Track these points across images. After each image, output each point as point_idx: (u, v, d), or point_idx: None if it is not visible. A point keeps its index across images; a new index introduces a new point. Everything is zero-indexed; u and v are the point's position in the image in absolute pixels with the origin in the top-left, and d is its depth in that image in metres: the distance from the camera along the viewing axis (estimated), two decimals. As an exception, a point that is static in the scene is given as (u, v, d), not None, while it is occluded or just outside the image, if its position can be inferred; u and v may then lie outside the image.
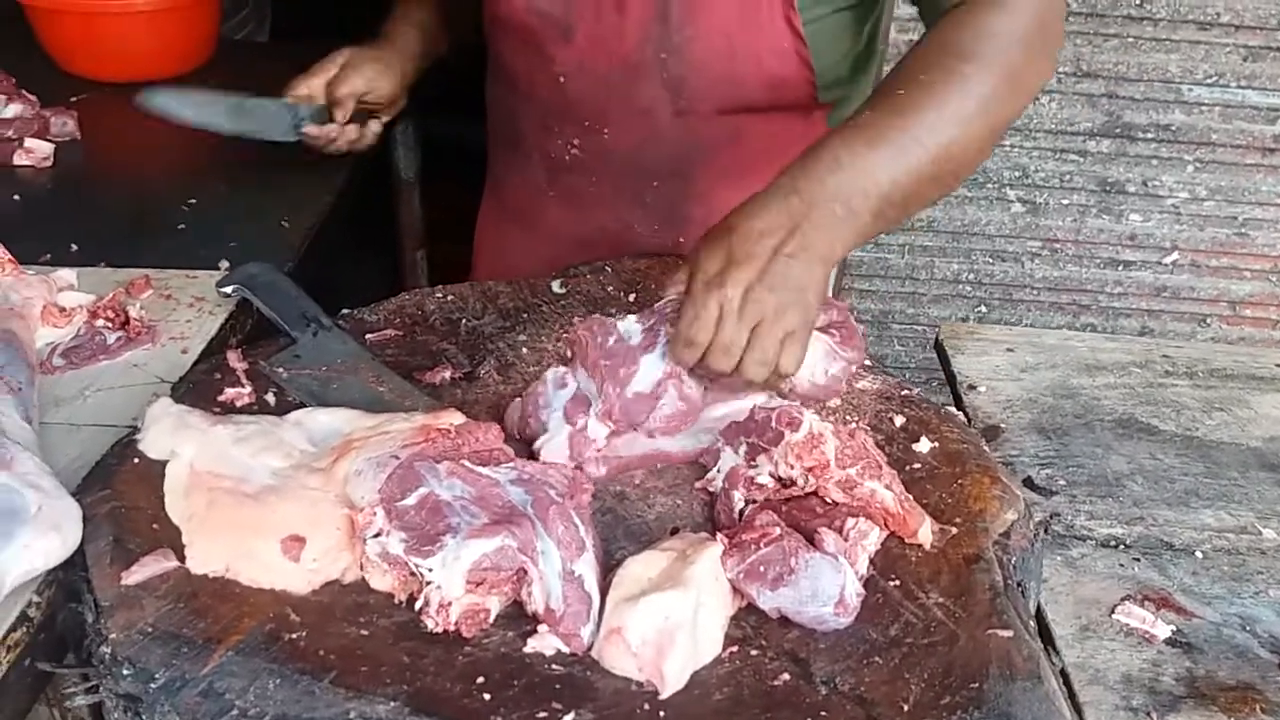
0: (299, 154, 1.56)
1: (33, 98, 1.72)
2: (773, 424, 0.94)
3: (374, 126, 1.60)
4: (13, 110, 1.67)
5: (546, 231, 1.49)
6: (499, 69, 1.45)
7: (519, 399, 1.05)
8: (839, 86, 1.36)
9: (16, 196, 1.57)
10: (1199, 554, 1.12)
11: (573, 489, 0.88)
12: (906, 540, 0.93)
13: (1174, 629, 1.01)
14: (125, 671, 0.79)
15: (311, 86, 1.53)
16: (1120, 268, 2.30)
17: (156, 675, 0.78)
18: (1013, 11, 1.10)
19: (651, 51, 1.29)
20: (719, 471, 0.99)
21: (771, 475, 0.95)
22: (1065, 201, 2.25)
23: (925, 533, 0.93)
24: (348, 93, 1.51)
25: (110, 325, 1.17)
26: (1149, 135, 2.18)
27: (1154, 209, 2.25)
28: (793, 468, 0.93)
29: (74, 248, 1.40)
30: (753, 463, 0.96)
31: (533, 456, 0.99)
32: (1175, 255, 2.28)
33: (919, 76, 1.07)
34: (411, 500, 0.84)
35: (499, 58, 1.44)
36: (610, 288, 1.30)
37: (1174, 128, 2.17)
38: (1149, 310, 2.34)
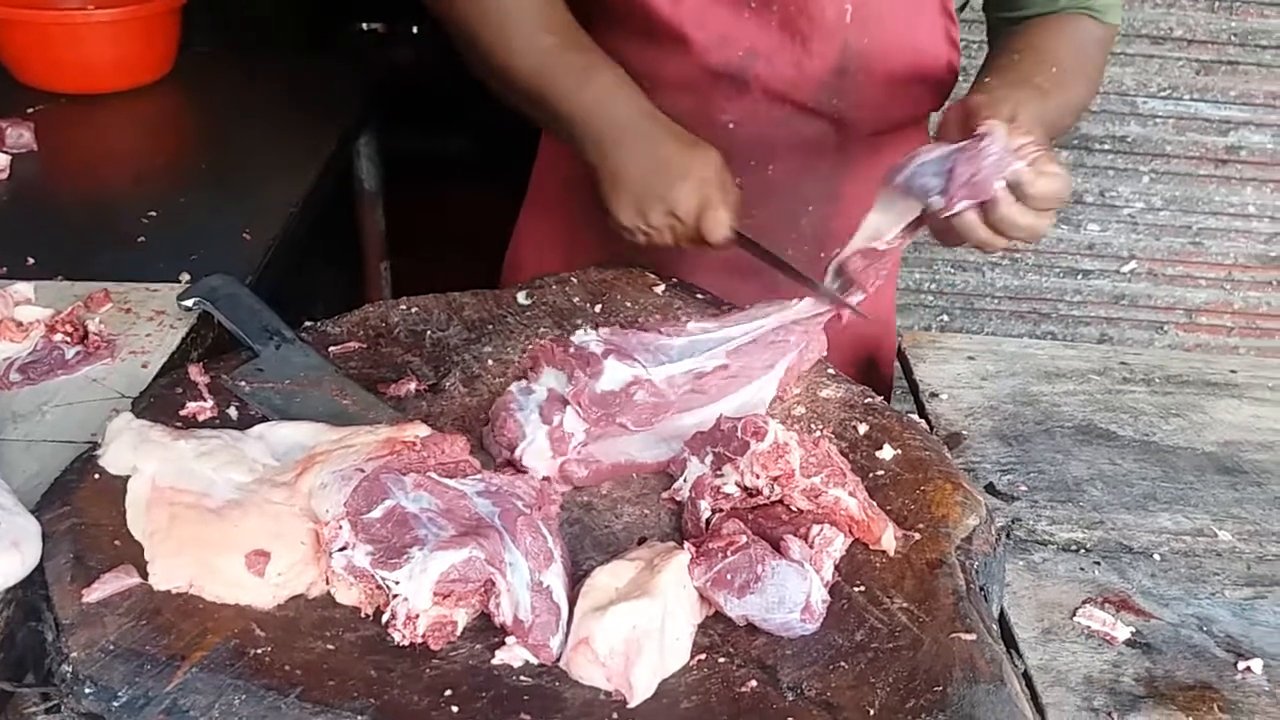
0: (259, 165, 1.56)
1: (-13, 110, 1.70)
2: (738, 434, 0.95)
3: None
4: (-33, 122, 1.65)
5: (709, 266, 1.40)
6: None
7: (494, 413, 1.05)
8: None
9: (-29, 209, 1.56)
10: (1157, 556, 1.14)
11: (540, 500, 0.89)
12: (870, 546, 0.94)
13: (1133, 630, 1.03)
14: (87, 690, 0.78)
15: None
16: (1079, 276, 2.34)
17: (119, 693, 0.77)
18: (1103, 29, 1.35)
19: (826, 97, 1.34)
20: (685, 481, 0.99)
21: (738, 485, 0.95)
22: (1024, 211, 2.29)
23: (889, 539, 0.94)
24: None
25: (69, 340, 1.16)
26: (1106, 147, 2.22)
27: (1111, 219, 2.29)
28: (758, 477, 0.94)
29: (30, 261, 1.38)
30: (719, 472, 0.97)
31: (511, 465, 0.99)
32: (1133, 264, 2.32)
33: (1063, 62, 1.26)
34: (377, 513, 0.84)
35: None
36: (576, 298, 1.30)
37: (1130, 139, 2.22)
38: (1108, 318, 2.38)
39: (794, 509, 0.94)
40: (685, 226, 1.21)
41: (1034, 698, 0.95)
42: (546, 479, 0.97)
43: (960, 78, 1.46)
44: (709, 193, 1.20)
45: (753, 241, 1.23)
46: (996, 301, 2.37)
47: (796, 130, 1.38)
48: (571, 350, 1.05)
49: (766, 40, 1.31)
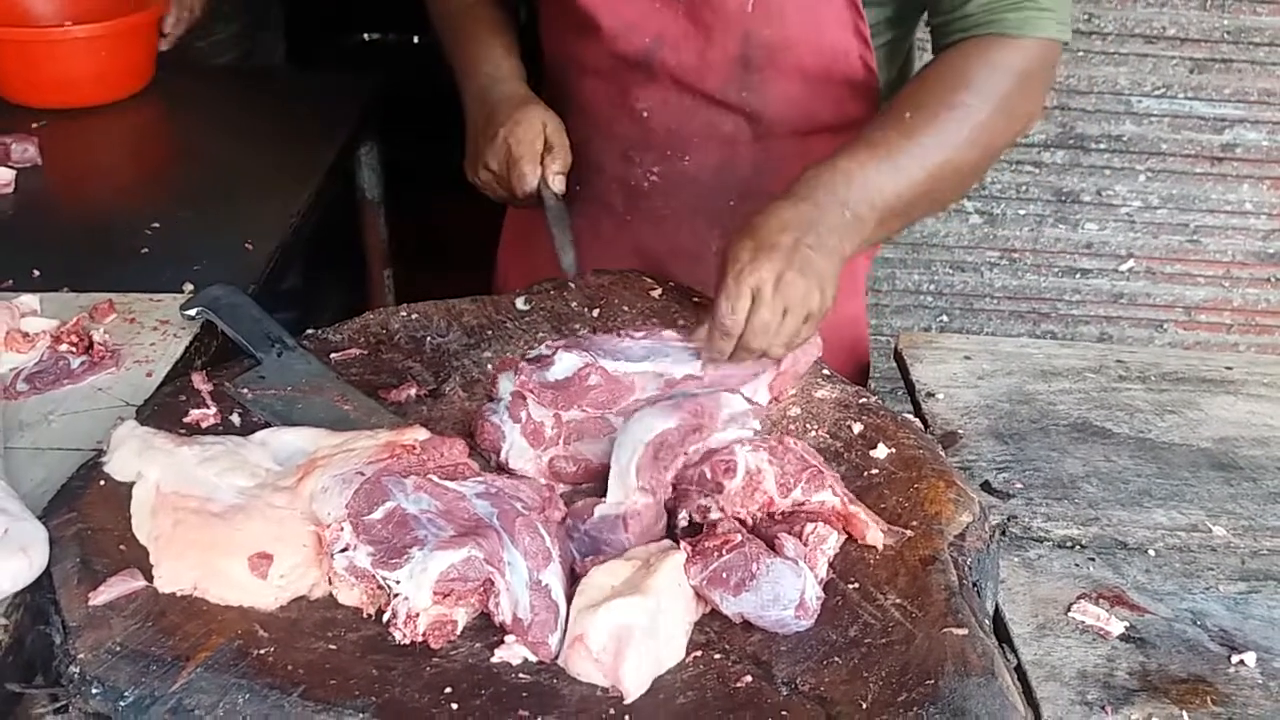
0: (261, 175, 1.57)
1: (-8, 125, 1.72)
2: (709, 476, 0.95)
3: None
4: (-27, 137, 1.67)
5: (622, 252, 1.49)
6: (575, 105, 1.44)
7: (474, 425, 1.06)
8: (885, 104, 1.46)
9: (-22, 223, 1.58)
10: (1152, 552, 1.15)
11: (544, 505, 0.90)
12: (862, 543, 0.95)
13: (1127, 625, 1.04)
14: (94, 690, 0.79)
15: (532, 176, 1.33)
16: (1078, 276, 2.35)
17: (126, 693, 0.79)
18: (1015, 48, 1.22)
19: (734, 89, 1.36)
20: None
21: (721, 512, 0.96)
22: (1022, 212, 2.30)
23: (875, 533, 0.95)
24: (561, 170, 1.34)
25: (74, 350, 1.17)
26: (1101, 146, 2.23)
27: (1109, 218, 2.30)
28: (739, 513, 0.95)
29: (36, 273, 1.40)
30: (703, 497, 0.96)
31: (504, 472, 1.00)
32: (1131, 263, 2.33)
33: (924, 102, 1.21)
34: (378, 514, 0.85)
35: (576, 96, 1.44)
36: (574, 303, 1.32)
37: (1125, 138, 2.23)
38: (1107, 317, 2.38)
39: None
40: (502, 180, 1.32)
41: (1028, 692, 0.96)
42: (550, 486, 0.98)
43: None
44: (518, 149, 1.30)
45: (560, 204, 1.30)
46: (995, 302, 2.38)
47: (709, 122, 1.38)
48: (526, 356, 1.09)
49: (672, 28, 1.33)
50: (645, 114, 1.39)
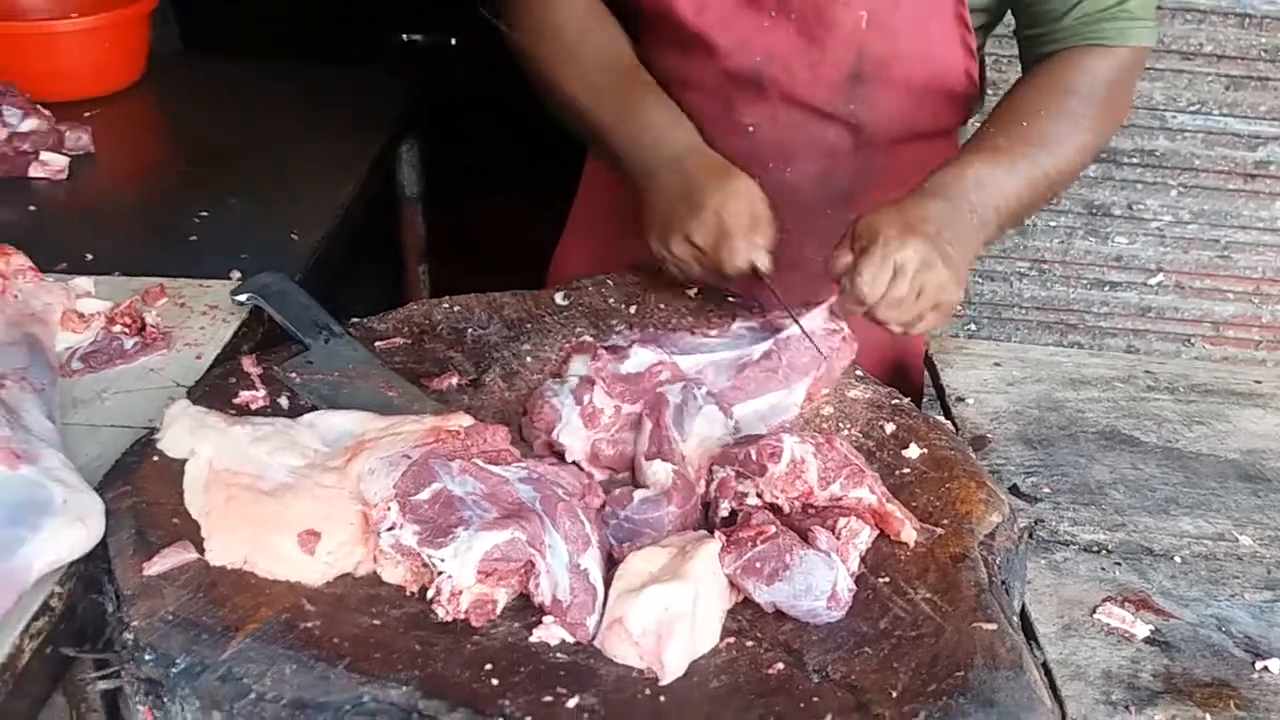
0: (305, 169, 1.60)
1: (48, 112, 1.76)
2: (754, 457, 0.97)
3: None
4: (29, 124, 1.71)
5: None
6: None
7: (531, 403, 1.09)
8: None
9: (32, 208, 1.62)
10: (1178, 559, 1.16)
11: (584, 491, 0.92)
12: (894, 540, 0.97)
13: (1152, 629, 1.05)
14: (147, 657, 0.82)
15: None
16: (1106, 288, 2.35)
17: (177, 660, 0.81)
18: (1112, 57, 1.32)
19: (842, 102, 1.38)
20: (710, 482, 1.02)
21: (759, 497, 0.98)
22: (1053, 223, 2.31)
23: (908, 531, 0.97)
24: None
25: (127, 331, 1.21)
26: (1134, 160, 2.23)
27: (1139, 231, 2.30)
28: (778, 498, 0.97)
29: (89, 257, 1.43)
30: (741, 480, 0.99)
31: (549, 449, 1.03)
32: (1160, 277, 2.33)
33: (1037, 110, 1.29)
34: (425, 495, 0.88)
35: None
36: (612, 300, 1.34)
37: (1159, 153, 2.23)
38: (1134, 330, 2.38)
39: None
40: (705, 257, 1.21)
41: (1053, 690, 0.98)
42: (589, 474, 1.00)
43: (990, 92, 1.49)
44: (729, 223, 1.19)
45: (769, 286, 1.22)
46: (1024, 312, 2.38)
47: (814, 135, 1.41)
48: (603, 343, 1.10)
49: (784, 45, 1.35)
50: (751, 129, 1.41)
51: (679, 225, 1.22)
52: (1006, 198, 1.24)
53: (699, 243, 1.21)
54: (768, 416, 1.11)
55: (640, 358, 1.07)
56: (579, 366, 1.06)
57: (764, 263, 1.20)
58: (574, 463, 1.03)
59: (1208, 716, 0.96)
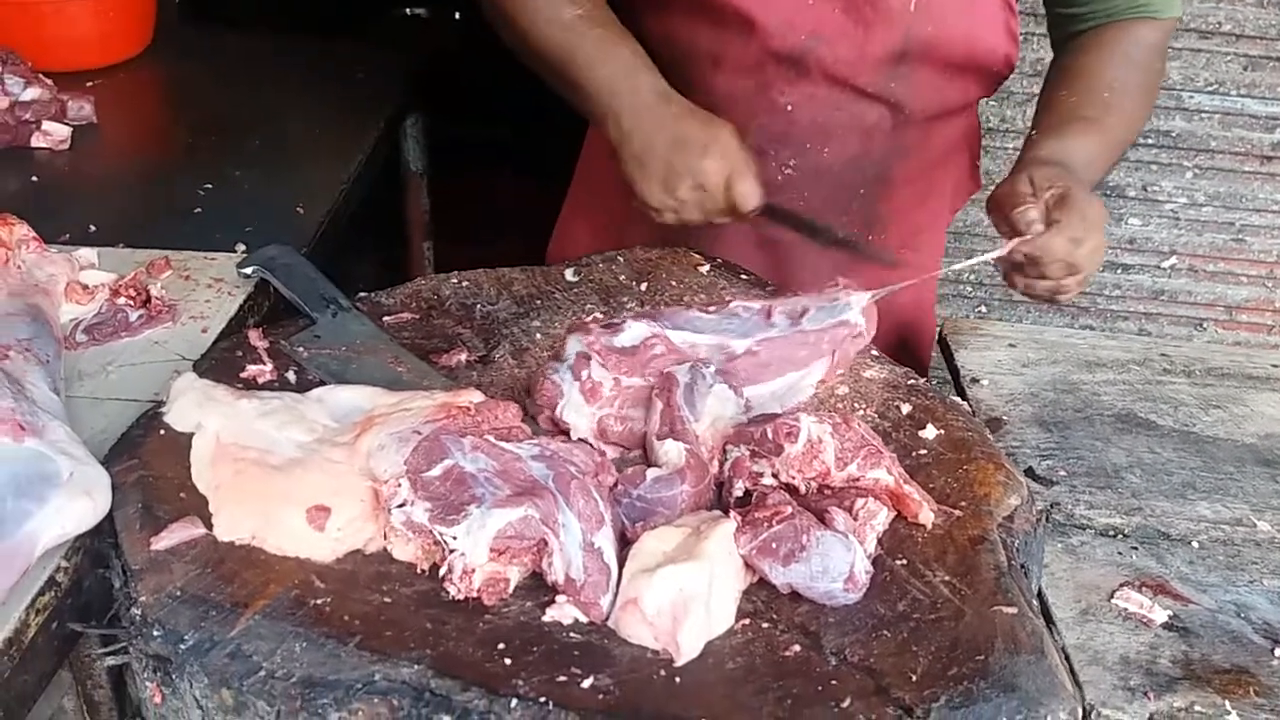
0: (310, 142, 1.58)
1: (49, 81, 1.74)
2: (770, 436, 0.96)
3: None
4: (31, 94, 1.69)
5: (748, 245, 1.45)
6: (704, 101, 1.35)
7: (534, 382, 1.07)
8: None
9: (35, 178, 1.60)
10: (1195, 544, 1.15)
11: (596, 469, 0.91)
12: (911, 521, 0.96)
13: (1171, 614, 1.04)
14: (155, 633, 0.81)
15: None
16: (1119, 271, 2.33)
17: (186, 637, 0.80)
18: (1158, 28, 1.38)
19: (884, 81, 1.37)
20: (724, 462, 1.01)
21: (774, 477, 0.96)
22: (1065, 205, 2.28)
23: (926, 513, 0.95)
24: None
25: (132, 303, 1.19)
26: (1149, 141, 2.21)
27: (1153, 214, 2.28)
28: (794, 478, 0.96)
29: (92, 229, 1.42)
30: (756, 459, 0.97)
31: (556, 428, 1.01)
32: (1173, 260, 2.31)
33: (1114, 83, 1.33)
34: (436, 472, 0.86)
35: (707, 90, 1.38)
36: (622, 276, 1.32)
37: (1174, 134, 2.21)
38: (1146, 313, 2.37)
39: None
40: (714, 198, 1.22)
41: (1071, 674, 0.96)
42: (602, 452, 0.99)
43: (1016, 69, 1.47)
44: (734, 163, 1.21)
45: (783, 210, 1.26)
46: (1036, 294, 2.36)
47: (853, 114, 1.39)
48: (597, 320, 1.09)
49: (830, 24, 1.33)
50: (789, 108, 1.38)
51: (685, 169, 1.21)
52: (1098, 168, 1.30)
53: (710, 185, 1.21)
54: (784, 398, 1.10)
55: (634, 331, 1.05)
56: (574, 344, 1.05)
57: (753, 202, 1.22)
58: (582, 440, 1.01)
59: (1227, 703, 0.95)
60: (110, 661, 0.87)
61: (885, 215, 1.47)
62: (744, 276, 1.33)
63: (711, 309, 1.13)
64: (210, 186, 1.58)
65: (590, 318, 1.10)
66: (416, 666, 0.78)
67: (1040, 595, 1.05)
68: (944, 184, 1.56)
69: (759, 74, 1.37)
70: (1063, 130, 1.29)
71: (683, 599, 0.82)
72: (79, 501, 0.87)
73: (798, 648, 0.83)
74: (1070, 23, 1.39)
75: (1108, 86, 1.32)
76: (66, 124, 1.69)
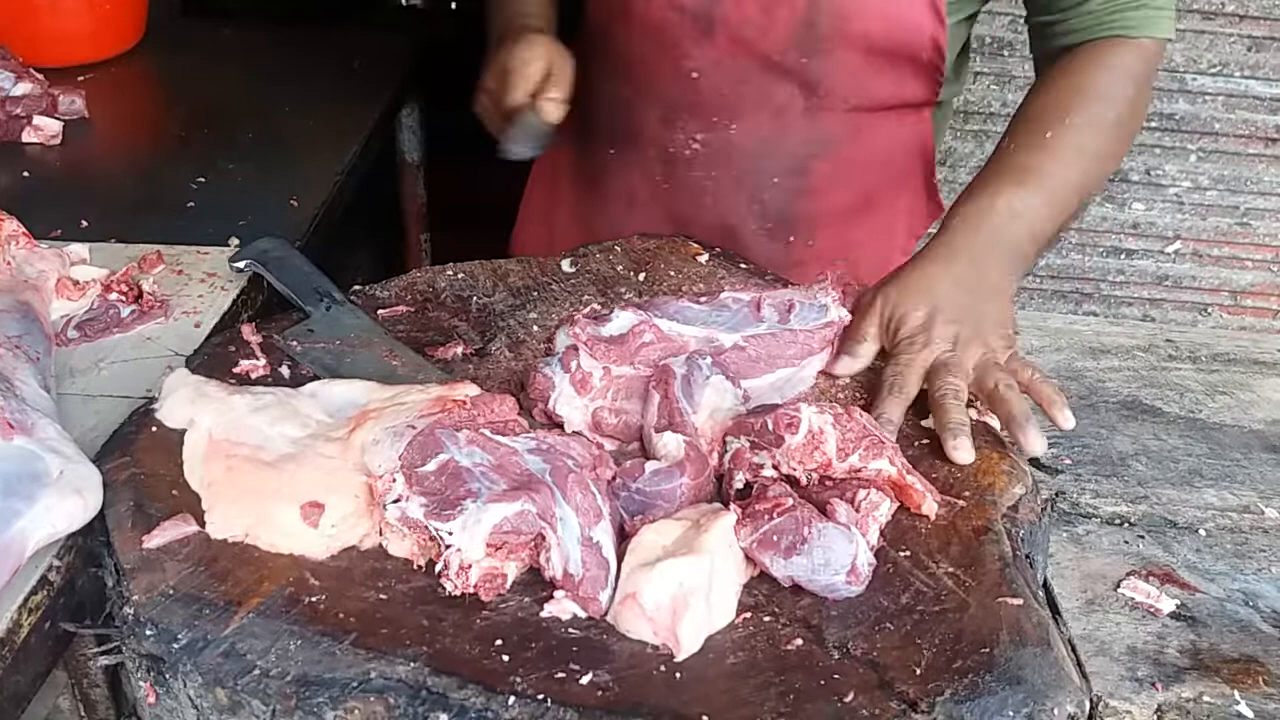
0: (303, 134, 1.57)
1: (40, 76, 1.72)
2: (770, 427, 0.94)
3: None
4: (22, 88, 1.67)
5: (656, 221, 1.45)
6: (616, 63, 1.40)
7: (528, 378, 1.06)
8: (947, 86, 1.41)
9: (26, 174, 1.58)
10: (1202, 532, 1.13)
11: (594, 462, 0.90)
12: (915, 512, 0.94)
13: (1178, 603, 1.03)
14: (148, 632, 0.80)
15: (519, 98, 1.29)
16: (1123, 256, 2.32)
17: (179, 636, 0.79)
18: (1136, 50, 1.22)
19: (794, 54, 1.31)
20: (724, 454, 0.99)
21: (775, 469, 0.95)
22: (1068, 190, 2.27)
23: (929, 504, 0.94)
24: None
25: (123, 299, 1.18)
26: (1153, 124, 2.19)
27: (1157, 198, 2.26)
28: (795, 470, 0.94)
29: (84, 224, 1.40)
30: (756, 451, 0.96)
31: (551, 422, 1.00)
32: (1177, 244, 2.30)
33: (1061, 117, 1.18)
34: (431, 466, 0.85)
35: (620, 52, 1.40)
36: (620, 267, 1.31)
37: (1178, 117, 2.19)
38: (1151, 299, 2.35)
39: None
40: (496, 97, 1.29)
41: (1078, 666, 0.95)
42: (600, 445, 0.98)
43: (1019, 53, 1.44)
44: (514, 64, 1.27)
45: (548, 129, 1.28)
46: (1038, 280, 2.35)
47: (763, 88, 1.34)
48: (585, 313, 1.07)
49: None
50: (695, 75, 1.35)
51: (484, 71, 1.31)
52: (1041, 224, 1.15)
53: (489, 85, 1.29)
54: (784, 389, 1.08)
55: (622, 320, 1.03)
56: (563, 338, 1.03)
57: (552, 113, 1.25)
58: (578, 433, 1.00)
59: (1236, 693, 0.93)
60: (104, 661, 0.86)
61: (808, 217, 1.43)
62: (743, 266, 1.32)
63: (702, 299, 1.12)
64: (203, 180, 1.56)
65: (588, 309, 1.09)
66: (413, 664, 0.77)
67: (1046, 585, 1.04)
68: (890, 200, 1.48)
69: (663, 34, 1.34)
70: (988, 185, 1.16)
71: (683, 593, 0.81)
72: (70, 500, 0.85)
73: (800, 641, 0.82)
74: (1045, 38, 1.28)
75: (1054, 124, 1.18)
76: (58, 119, 1.67)
